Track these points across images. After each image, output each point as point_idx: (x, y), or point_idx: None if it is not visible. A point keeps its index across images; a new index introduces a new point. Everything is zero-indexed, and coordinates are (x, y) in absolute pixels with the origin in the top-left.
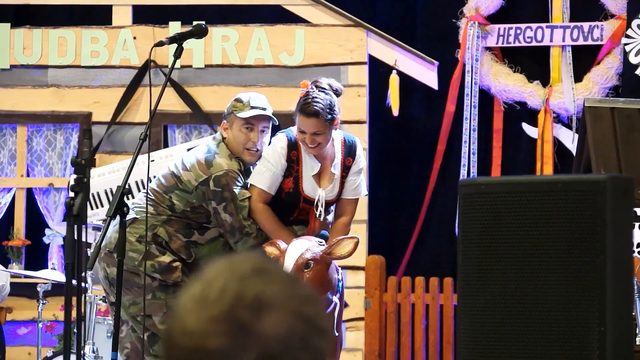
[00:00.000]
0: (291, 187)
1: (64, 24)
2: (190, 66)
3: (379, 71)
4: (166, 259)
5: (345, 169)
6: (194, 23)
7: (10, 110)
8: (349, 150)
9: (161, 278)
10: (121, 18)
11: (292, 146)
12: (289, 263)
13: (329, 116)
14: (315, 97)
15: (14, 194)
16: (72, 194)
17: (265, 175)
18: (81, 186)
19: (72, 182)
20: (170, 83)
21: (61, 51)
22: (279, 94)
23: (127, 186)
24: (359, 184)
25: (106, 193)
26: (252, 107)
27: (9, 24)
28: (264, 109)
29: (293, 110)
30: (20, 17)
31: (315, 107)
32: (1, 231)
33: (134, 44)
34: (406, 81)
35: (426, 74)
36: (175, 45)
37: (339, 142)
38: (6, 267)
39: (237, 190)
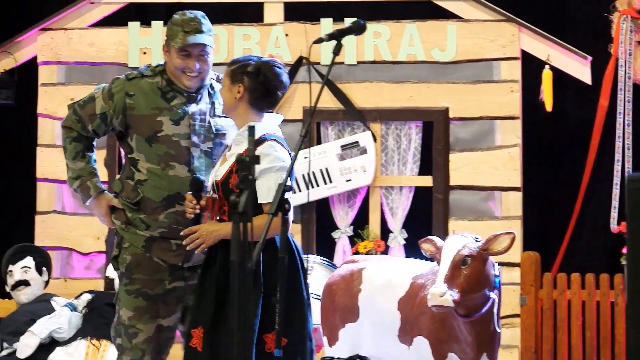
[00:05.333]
0: None
1: (215, 22)
2: (342, 63)
3: (531, 66)
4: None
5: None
6: (351, 20)
7: None
8: None
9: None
10: (273, 15)
11: None
12: (446, 259)
13: None
14: None
15: None
16: (237, 192)
17: None
18: (246, 183)
19: (239, 180)
20: (322, 80)
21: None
22: (431, 90)
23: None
24: None
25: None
26: (185, 32)
27: (161, 22)
28: (200, 32)
29: (445, 106)
30: (172, 15)
31: None
32: None
33: (285, 41)
34: (559, 76)
35: (579, 68)
36: (324, 42)
37: None
38: None
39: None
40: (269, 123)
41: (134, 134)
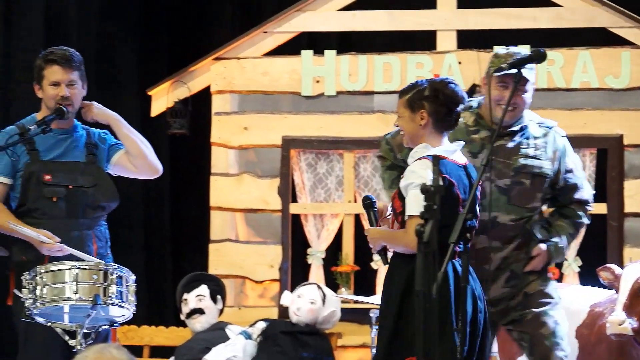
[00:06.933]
0: None
1: (388, 50)
2: None
3: None
4: None
5: None
6: (524, 48)
7: (337, 136)
8: None
9: None
10: (446, 43)
11: None
12: (624, 287)
13: None
14: None
15: (342, 220)
16: (421, 221)
17: None
18: (431, 213)
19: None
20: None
21: (386, 77)
22: (605, 117)
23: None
24: None
25: None
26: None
27: (334, 51)
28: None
29: (619, 133)
30: (345, 44)
31: None
32: (330, 257)
33: (458, 68)
34: None
35: None
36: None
37: None
38: (335, 293)
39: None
40: (444, 148)
41: None
